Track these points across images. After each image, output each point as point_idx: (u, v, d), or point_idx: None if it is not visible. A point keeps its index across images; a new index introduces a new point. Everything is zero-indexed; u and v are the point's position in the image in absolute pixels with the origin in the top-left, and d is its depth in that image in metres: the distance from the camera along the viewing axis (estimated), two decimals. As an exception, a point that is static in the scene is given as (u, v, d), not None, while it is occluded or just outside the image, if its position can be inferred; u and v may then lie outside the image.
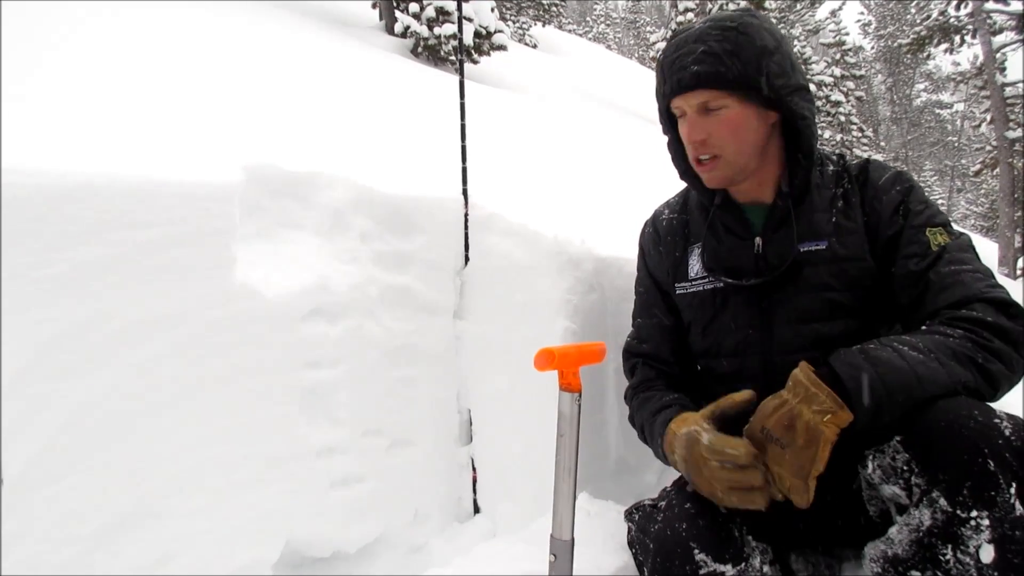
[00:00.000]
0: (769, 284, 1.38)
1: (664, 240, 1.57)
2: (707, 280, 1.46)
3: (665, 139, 1.49)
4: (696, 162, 1.39)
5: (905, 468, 1.13)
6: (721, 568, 1.22)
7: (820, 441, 1.09)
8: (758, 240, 1.41)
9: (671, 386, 1.53)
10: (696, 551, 1.22)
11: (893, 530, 1.15)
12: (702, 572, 1.22)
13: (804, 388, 1.13)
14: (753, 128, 1.35)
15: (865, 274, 1.34)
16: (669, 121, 1.44)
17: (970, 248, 1.32)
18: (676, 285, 1.53)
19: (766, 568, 1.27)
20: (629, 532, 1.58)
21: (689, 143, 1.37)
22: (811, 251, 1.36)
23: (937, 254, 1.28)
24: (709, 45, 1.30)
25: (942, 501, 1.06)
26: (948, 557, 1.06)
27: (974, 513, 1.03)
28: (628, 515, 1.60)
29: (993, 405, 1.13)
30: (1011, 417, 1.08)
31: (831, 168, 1.43)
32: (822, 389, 1.11)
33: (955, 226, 1.36)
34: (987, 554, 1.02)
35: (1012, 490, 1.02)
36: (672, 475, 1.51)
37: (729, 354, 1.46)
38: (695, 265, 1.50)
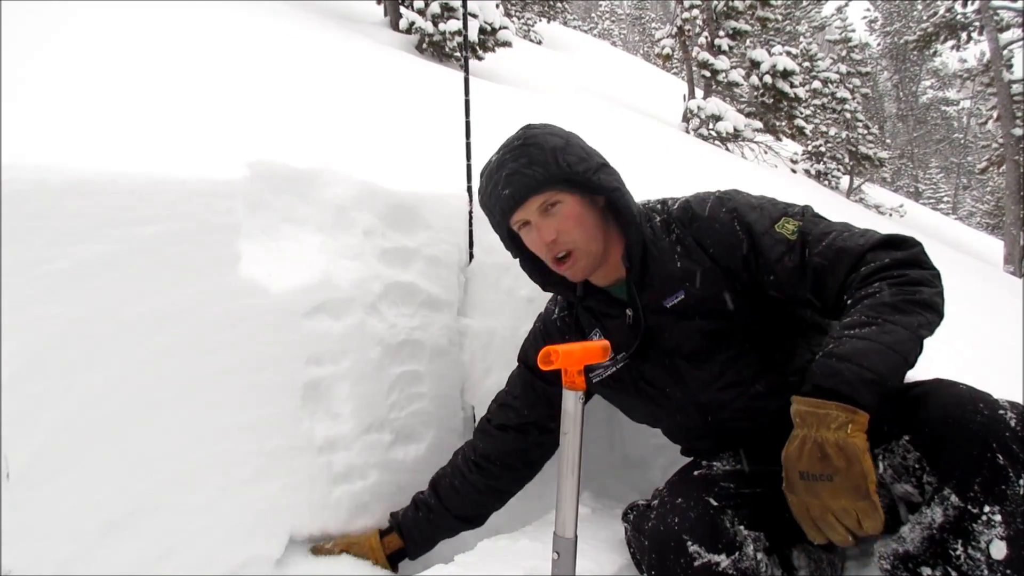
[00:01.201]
0: (652, 346, 1.46)
1: (560, 339, 1.63)
2: (613, 361, 1.53)
3: (518, 258, 1.55)
4: (555, 262, 1.44)
5: (916, 467, 1.15)
6: (716, 558, 1.23)
7: (859, 452, 1.08)
8: (628, 312, 1.48)
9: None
10: (689, 543, 1.23)
11: (905, 528, 1.16)
12: (696, 564, 1.22)
13: (812, 415, 1.13)
14: (590, 214, 1.42)
15: (728, 302, 1.40)
16: (514, 242, 1.51)
17: (819, 216, 1.39)
18: (591, 376, 1.58)
19: (760, 555, 1.28)
20: (626, 532, 1.60)
21: (543, 245, 1.42)
22: (675, 303, 1.43)
23: (801, 240, 1.33)
24: (510, 167, 1.39)
25: (953, 498, 1.08)
26: (959, 553, 1.08)
27: (986, 509, 1.05)
28: (624, 516, 1.62)
29: (996, 392, 1.14)
30: (1014, 405, 1.10)
31: (658, 219, 1.49)
32: (828, 406, 1.11)
33: (790, 202, 1.42)
34: (998, 550, 1.04)
35: (1022, 481, 1.04)
36: (670, 475, 1.52)
37: (667, 415, 1.55)
38: None
